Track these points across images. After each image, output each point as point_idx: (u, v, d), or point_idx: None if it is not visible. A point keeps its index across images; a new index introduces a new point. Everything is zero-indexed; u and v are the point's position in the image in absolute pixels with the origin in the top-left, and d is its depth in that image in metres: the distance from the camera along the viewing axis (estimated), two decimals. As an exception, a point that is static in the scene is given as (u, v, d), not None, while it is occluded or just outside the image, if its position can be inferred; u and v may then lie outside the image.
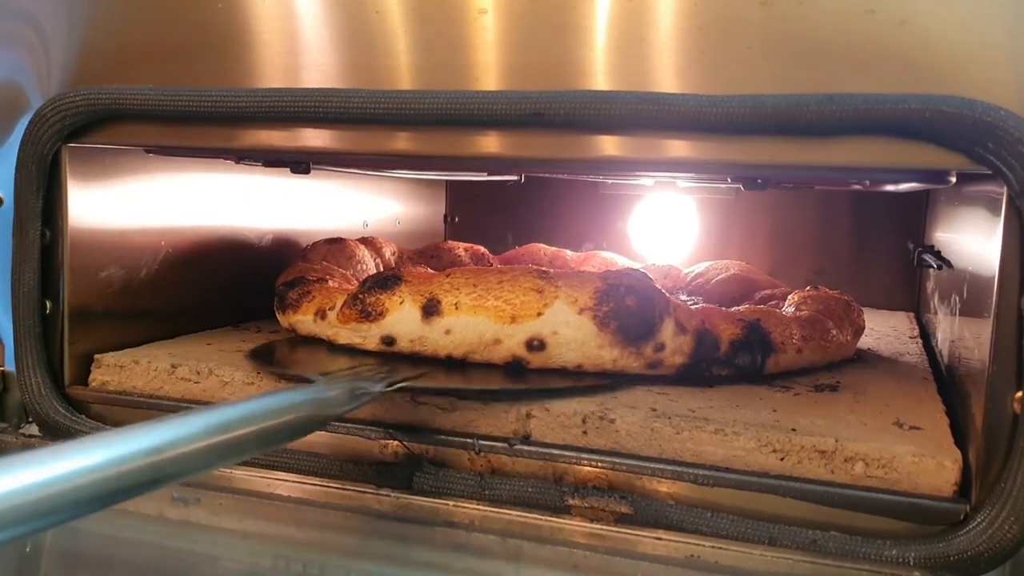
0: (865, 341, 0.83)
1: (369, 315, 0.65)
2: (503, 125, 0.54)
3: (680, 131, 0.51)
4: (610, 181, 1.20)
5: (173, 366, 0.66)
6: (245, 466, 0.59)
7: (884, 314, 1.09)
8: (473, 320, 0.63)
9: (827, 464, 0.51)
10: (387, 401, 0.59)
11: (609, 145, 0.53)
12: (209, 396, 0.65)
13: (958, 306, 0.67)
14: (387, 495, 0.56)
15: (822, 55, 0.49)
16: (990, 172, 0.46)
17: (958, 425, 0.56)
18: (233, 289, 0.85)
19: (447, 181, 1.33)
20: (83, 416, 0.65)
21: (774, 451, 0.52)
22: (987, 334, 0.48)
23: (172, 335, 0.76)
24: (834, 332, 0.72)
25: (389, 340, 0.65)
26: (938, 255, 0.83)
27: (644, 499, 0.53)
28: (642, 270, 0.76)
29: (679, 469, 0.52)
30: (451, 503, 0.55)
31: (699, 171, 0.82)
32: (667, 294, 0.65)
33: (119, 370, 0.67)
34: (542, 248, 1.08)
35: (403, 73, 0.57)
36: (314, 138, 0.59)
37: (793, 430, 0.53)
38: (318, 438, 0.59)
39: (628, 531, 0.52)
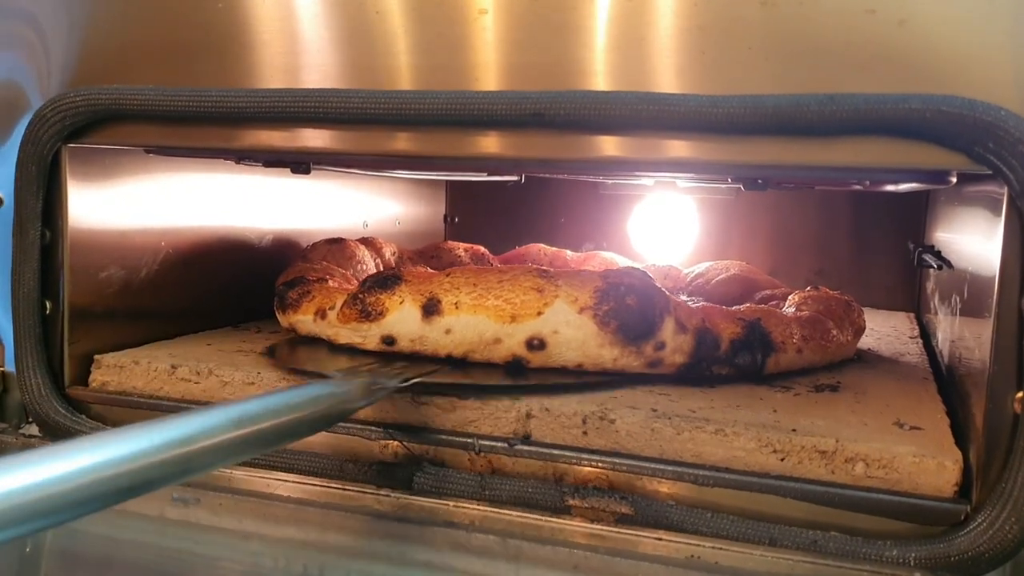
0: (865, 341, 0.83)
1: (369, 315, 0.65)
2: (503, 125, 0.54)
3: (680, 131, 0.51)
4: (610, 181, 1.20)
5: (173, 366, 0.66)
6: (245, 466, 0.59)
7: (884, 314, 1.09)
8: (473, 319, 0.63)
9: (828, 464, 0.51)
10: (387, 401, 0.59)
11: (609, 145, 0.53)
12: (209, 396, 0.65)
13: (958, 306, 0.67)
14: (387, 495, 0.56)
15: (822, 55, 0.49)
16: (990, 172, 0.46)
17: (959, 425, 0.56)
18: (233, 289, 0.85)
19: (447, 181, 1.33)
20: (83, 416, 0.65)
21: (775, 451, 0.52)
22: (987, 334, 0.48)
23: (172, 335, 0.76)
24: (834, 332, 0.72)
25: (389, 340, 0.65)
26: (938, 255, 0.83)
27: (644, 499, 0.52)
28: (642, 270, 0.75)
29: (679, 469, 0.52)
30: (451, 503, 0.55)
31: (699, 171, 0.82)
32: (667, 293, 0.65)
33: (119, 370, 0.67)
34: (542, 248, 1.08)
35: (403, 73, 0.57)
36: (314, 138, 0.59)
37: (793, 430, 0.53)
38: (318, 438, 0.58)
39: (628, 531, 0.52)
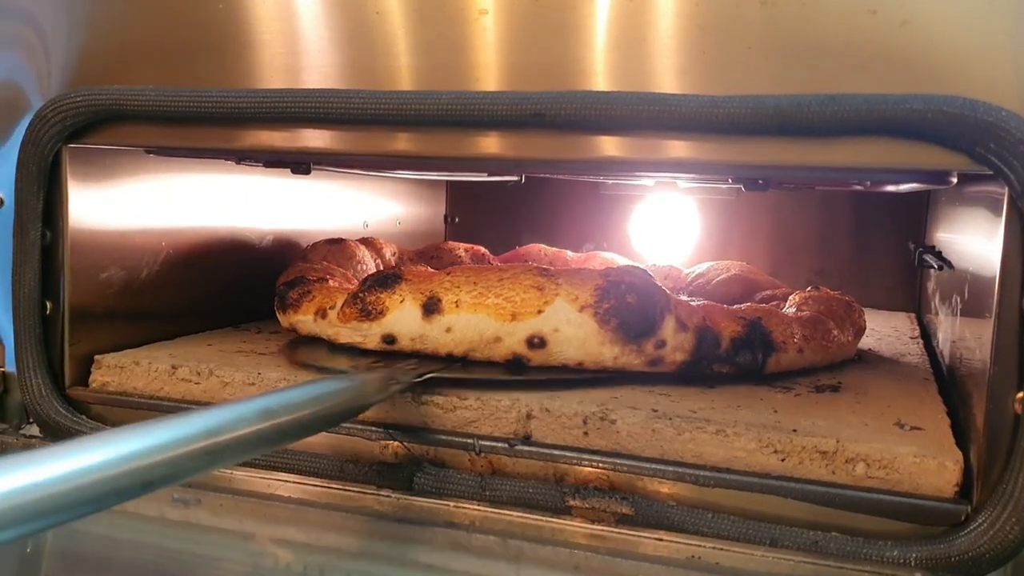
0: (866, 341, 0.83)
1: (370, 314, 0.65)
2: (504, 126, 0.54)
3: (681, 132, 0.51)
4: (611, 181, 1.20)
5: (174, 367, 0.66)
6: (245, 467, 0.59)
7: (885, 314, 1.09)
8: (474, 318, 0.63)
9: (828, 465, 0.51)
10: (387, 401, 0.58)
11: (610, 146, 0.53)
12: (210, 397, 0.65)
13: (959, 306, 0.67)
14: (387, 496, 0.56)
15: (823, 55, 0.49)
16: (991, 172, 0.46)
17: (959, 426, 0.56)
18: (234, 290, 0.85)
19: (447, 181, 1.33)
20: (84, 417, 0.65)
21: (775, 452, 0.52)
22: (988, 334, 0.48)
23: (173, 336, 0.76)
24: (835, 332, 0.71)
25: (390, 339, 0.65)
26: (939, 255, 0.83)
27: (645, 500, 0.52)
28: (643, 268, 0.75)
29: (680, 470, 0.52)
30: (451, 504, 0.55)
31: (700, 172, 0.82)
32: (668, 292, 0.65)
33: (119, 371, 0.67)
34: (542, 248, 1.08)
35: (404, 74, 0.57)
36: (315, 139, 0.59)
37: (794, 431, 0.53)
38: (319, 439, 0.58)
39: (629, 532, 0.52)
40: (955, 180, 0.57)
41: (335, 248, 0.88)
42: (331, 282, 0.75)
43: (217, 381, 0.65)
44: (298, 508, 0.58)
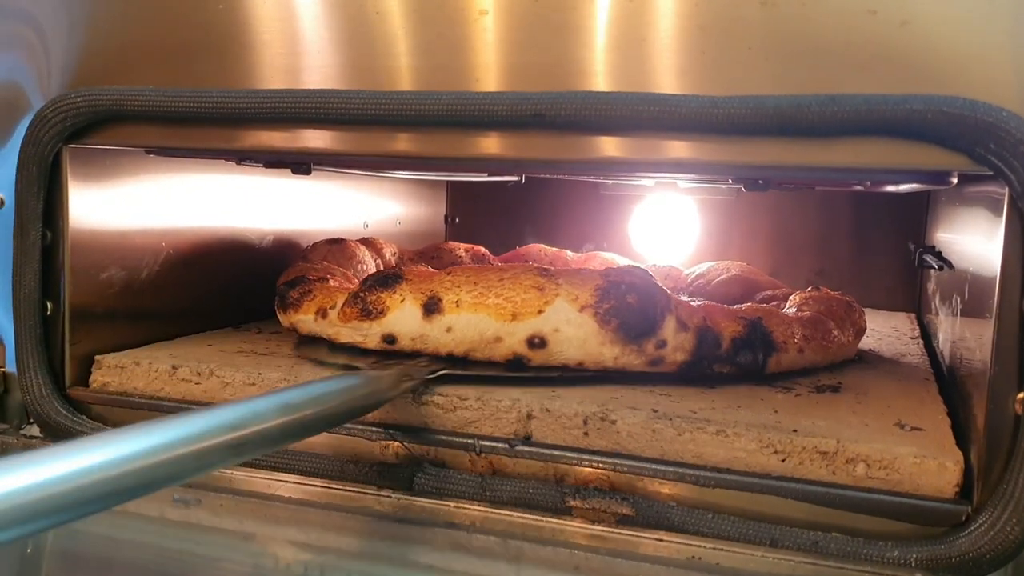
0: (866, 342, 0.83)
1: (370, 313, 0.65)
2: (504, 126, 0.54)
3: (681, 132, 0.51)
4: (611, 182, 1.20)
5: (174, 367, 0.66)
6: (246, 467, 0.59)
7: (885, 315, 1.09)
8: (474, 318, 0.63)
9: (829, 465, 0.51)
10: (388, 402, 0.58)
11: (610, 146, 0.53)
12: (210, 397, 0.65)
13: (959, 307, 0.67)
14: (388, 496, 0.56)
15: (823, 55, 0.49)
16: (991, 173, 0.46)
17: (960, 426, 0.56)
18: (234, 290, 0.85)
19: (448, 182, 1.33)
20: (84, 417, 0.65)
21: (775, 452, 0.52)
22: (988, 335, 0.48)
23: (173, 336, 0.76)
24: (835, 332, 0.71)
25: (390, 339, 0.65)
26: (939, 256, 0.83)
27: (645, 500, 0.52)
28: (644, 268, 0.75)
29: (680, 470, 0.52)
30: (452, 504, 0.55)
31: (700, 172, 0.82)
32: (668, 292, 0.65)
33: (120, 371, 0.67)
34: (543, 249, 1.08)
35: (404, 74, 0.57)
36: (315, 139, 0.59)
37: (794, 431, 0.53)
38: (319, 439, 0.59)
39: (629, 532, 0.52)
40: (955, 180, 0.57)
41: (335, 248, 0.88)
42: (331, 282, 0.75)
43: (217, 381, 0.65)
44: (298, 508, 0.58)
